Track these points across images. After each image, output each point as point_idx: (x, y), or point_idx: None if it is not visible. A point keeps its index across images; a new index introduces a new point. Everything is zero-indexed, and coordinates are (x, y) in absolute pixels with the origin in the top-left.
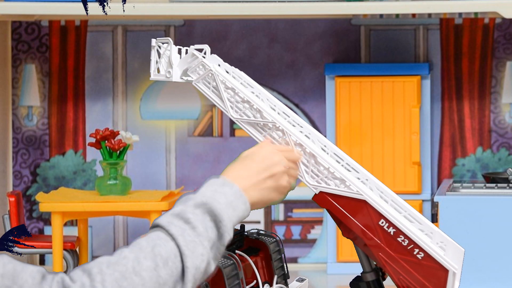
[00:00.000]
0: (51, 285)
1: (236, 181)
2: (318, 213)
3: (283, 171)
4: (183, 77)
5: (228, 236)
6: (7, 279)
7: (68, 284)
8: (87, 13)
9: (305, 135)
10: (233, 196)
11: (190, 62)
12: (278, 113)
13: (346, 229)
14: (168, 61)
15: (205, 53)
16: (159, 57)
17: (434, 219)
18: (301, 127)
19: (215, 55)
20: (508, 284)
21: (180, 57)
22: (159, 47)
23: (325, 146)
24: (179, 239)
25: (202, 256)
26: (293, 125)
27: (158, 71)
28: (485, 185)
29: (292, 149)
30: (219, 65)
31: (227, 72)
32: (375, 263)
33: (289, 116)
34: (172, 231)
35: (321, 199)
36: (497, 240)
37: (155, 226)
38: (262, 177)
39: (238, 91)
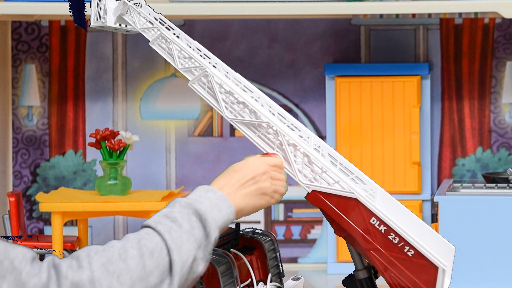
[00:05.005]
0: (42, 265)
1: (220, 189)
2: (318, 213)
3: (263, 172)
4: (119, 24)
5: (214, 235)
6: None
7: (57, 262)
8: (83, 28)
9: (299, 136)
10: (217, 200)
11: (121, 9)
12: (270, 111)
13: (338, 227)
14: (104, 9)
15: (141, 6)
16: (98, 6)
17: (434, 219)
18: (294, 126)
19: (148, 6)
20: (508, 284)
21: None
22: None
23: (319, 146)
24: (166, 235)
25: (189, 251)
26: (284, 123)
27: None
28: (485, 185)
29: (275, 154)
30: (150, 14)
31: (163, 25)
32: (367, 261)
33: (280, 114)
34: (158, 228)
35: (314, 198)
36: (497, 240)
37: (144, 227)
38: (243, 182)
39: (231, 90)
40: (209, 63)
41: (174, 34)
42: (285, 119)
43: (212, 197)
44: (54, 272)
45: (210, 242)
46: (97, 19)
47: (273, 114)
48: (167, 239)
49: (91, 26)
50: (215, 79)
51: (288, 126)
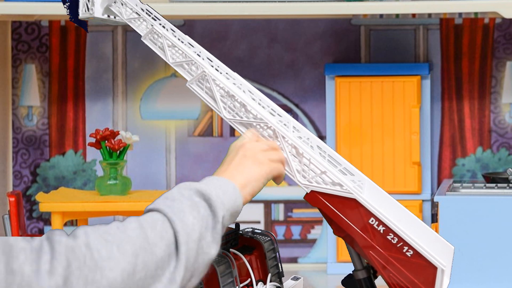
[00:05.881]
0: (37, 240)
1: (220, 175)
2: (318, 213)
3: (241, 144)
4: (107, 15)
5: (220, 214)
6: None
7: (51, 233)
8: (83, 28)
9: (299, 137)
10: (220, 182)
11: (109, 0)
12: (263, 108)
13: (337, 228)
14: (91, 0)
15: None
16: None
17: (434, 219)
18: (294, 127)
19: None
20: (508, 284)
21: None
22: None
23: (308, 139)
24: (166, 210)
25: (193, 225)
26: (283, 123)
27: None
28: (485, 185)
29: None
30: (137, 5)
31: (150, 15)
32: (366, 261)
33: (275, 111)
34: (158, 206)
35: (312, 198)
36: (497, 240)
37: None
38: (237, 161)
39: (228, 89)
40: (194, 52)
41: (160, 24)
42: (268, 106)
43: (215, 181)
44: (47, 239)
45: (218, 222)
46: (85, 11)
47: (263, 107)
48: (168, 212)
49: (79, 17)
50: (212, 77)
51: (268, 111)
